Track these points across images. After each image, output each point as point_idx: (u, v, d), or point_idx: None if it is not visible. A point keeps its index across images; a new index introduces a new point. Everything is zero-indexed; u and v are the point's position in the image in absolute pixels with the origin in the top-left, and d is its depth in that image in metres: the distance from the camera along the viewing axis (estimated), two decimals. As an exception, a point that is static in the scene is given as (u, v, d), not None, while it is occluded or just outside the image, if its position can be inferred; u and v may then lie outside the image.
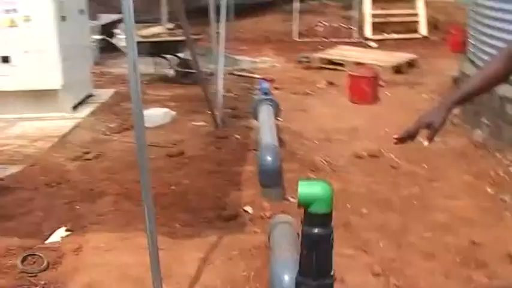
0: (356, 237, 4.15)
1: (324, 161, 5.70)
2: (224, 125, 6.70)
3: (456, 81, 8.67)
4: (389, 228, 4.37)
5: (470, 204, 4.78)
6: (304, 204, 2.16)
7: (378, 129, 6.81)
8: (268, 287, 2.98)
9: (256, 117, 5.92)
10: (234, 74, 9.69)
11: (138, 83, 2.78)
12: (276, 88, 8.56)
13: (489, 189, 5.08)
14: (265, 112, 5.63)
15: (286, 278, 2.86)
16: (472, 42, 7.52)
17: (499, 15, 6.48)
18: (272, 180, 4.65)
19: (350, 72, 8.11)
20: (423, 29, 12.58)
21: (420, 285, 3.50)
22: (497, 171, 5.42)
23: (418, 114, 7.55)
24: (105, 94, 8.31)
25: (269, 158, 4.61)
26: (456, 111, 7.26)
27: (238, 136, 6.34)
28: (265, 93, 6.00)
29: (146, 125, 6.53)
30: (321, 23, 13.32)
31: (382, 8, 13.26)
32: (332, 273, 2.29)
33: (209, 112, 6.63)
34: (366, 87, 7.86)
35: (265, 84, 6.10)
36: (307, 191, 2.14)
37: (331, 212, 2.24)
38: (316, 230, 2.20)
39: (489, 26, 6.80)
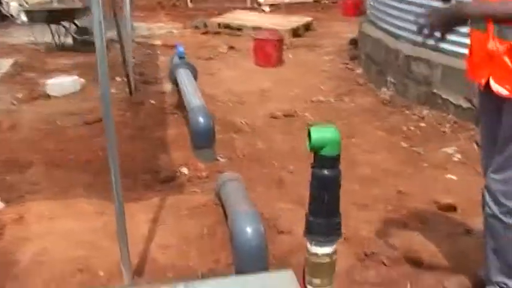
0: (292, 193, 4.31)
1: (243, 122, 5.83)
2: (136, 91, 6.66)
3: (353, 42, 9.04)
4: (319, 182, 4.57)
5: (389, 158, 5.08)
6: (316, 148, 2.30)
7: (286, 91, 7.01)
8: (231, 239, 3.08)
9: (173, 81, 5.93)
10: (133, 41, 9.55)
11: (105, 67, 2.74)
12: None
13: (403, 143, 5.41)
14: (185, 75, 5.66)
15: (249, 229, 2.99)
16: (372, 3, 7.82)
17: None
18: (206, 141, 4.73)
19: (255, 36, 8.22)
20: (314, -7, 12.89)
21: (362, 233, 3.72)
22: (408, 126, 5.77)
23: (322, 75, 7.84)
24: (3, 64, 7.99)
25: (202, 120, 4.68)
26: (360, 71, 7.62)
27: (153, 101, 6.32)
28: (181, 58, 6.00)
29: (56, 93, 6.49)
30: (214, -12, 13.34)
31: (274, -27, 13.45)
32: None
33: (122, 79, 6.56)
34: (271, 50, 8.01)
35: (181, 48, 6.10)
36: (318, 135, 2.29)
37: (339, 155, 2.39)
38: (327, 172, 2.36)
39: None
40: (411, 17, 6.30)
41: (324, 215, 2.35)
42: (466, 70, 2.92)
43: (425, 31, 2.62)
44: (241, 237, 2.97)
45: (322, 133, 2.27)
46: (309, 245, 2.44)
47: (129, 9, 6.83)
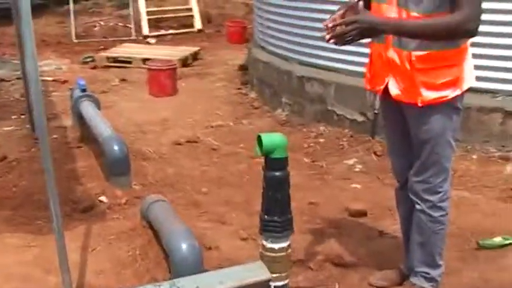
0: (210, 213, 4.45)
1: (150, 150, 5.89)
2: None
3: (242, 68, 9.31)
4: (234, 201, 4.74)
5: (295, 173, 5.14)
6: (267, 153, 2.52)
7: (185, 118, 7.13)
8: (168, 257, 3.17)
9: (77, 115, 5.90)
10: (20, 78, 9.35)
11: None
12: (71, 89, 8.47)
13: (306, 159, 5.67)
14: (90, 108, 5.66)
15: (185, 246, 3.09)
16: (260, 29, 8.11)
17: (285, 3, 7.12)
18: (122, 168, 4.76)
19: (149, 66, 8.29)
20: (198, 23, 13.09)
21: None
22: (308, 143, 6.04)
23: (217, 101, 8.05)
24: None
25: (117, 147, 4.72)
26: (254, 95, 7.86)
27: (56, 136, 6.25)
28: (83, 90, 5.99)
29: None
30: (98, 23, 13.25)
31: (157, 6, 13.57)
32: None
33: (19, 116, 6.44)
34: (165, 80, 8.11)
35: (82, 81, 6.08)
36: (269, 141, 2.53)
37: (287, 158, 2.63)
38: (277, 173, 2.60)
39: (275, 13, 7.44)
40: (301, 40, 6.67)
41: (278, 213, 2.58)
42: (365, 81, 3.18)
43: (340, 39, 2.73)
44: (177, 254, 3.07)
45: (271, 139, 2.48)
46: (265, 242, 2.67)
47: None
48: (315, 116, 6.55)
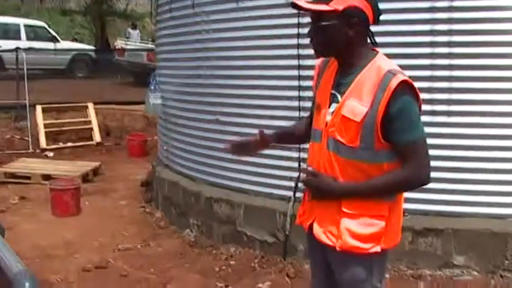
0: None
1: (58, 279, 5.70)
2: None
3: (145, 184, 9.29)
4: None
5: None
6: None
7: (91, 240, 6.97)
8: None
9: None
10: None
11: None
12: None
13: (219, 283, 5.64)
14: (-7, 237, 5.43)
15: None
16: (165, 148, 8.19)
17: (192, 123, 7.27)
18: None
19: (52, 186, 8.11)
20: (97, 136, 13.02)
21: None
22: (219, 266, 6.03)
23: (123, 221, 7.95)
24: None
25: (28, 285, 4.51)
26: (159, 214, 7.83)
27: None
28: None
29: None
30: (-7, 135, 12.94)
31: (55, 118, 13.44)
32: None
33: None
34: (69, 199, 7.95)
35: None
36: None
37: None
38: None
39: (180, 133, 7.57)
40: (208, 160, 6.78)
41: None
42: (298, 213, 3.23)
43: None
44: None
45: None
46: None
47: None
48: (224, 237, 6.58)
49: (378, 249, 2.82)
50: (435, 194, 5.42)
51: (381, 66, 2.76)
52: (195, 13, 6.88)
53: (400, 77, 2.68)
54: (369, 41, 2.91)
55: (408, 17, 5.45)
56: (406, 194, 2.99)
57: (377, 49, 2.92)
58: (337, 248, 2.85)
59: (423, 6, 5.38)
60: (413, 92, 2.73)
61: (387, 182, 2.77)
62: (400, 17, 5.40)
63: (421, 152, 2.74)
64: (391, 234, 2.88)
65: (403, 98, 2.68)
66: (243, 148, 3.46)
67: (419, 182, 2.80)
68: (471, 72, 5.39)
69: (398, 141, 2.72)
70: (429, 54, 5.41)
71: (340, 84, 2.88)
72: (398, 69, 2.77)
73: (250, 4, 6.23)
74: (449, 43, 5.35)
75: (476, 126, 5.42)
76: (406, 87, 2.69)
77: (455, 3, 5.30)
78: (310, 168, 3.06)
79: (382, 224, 2.81)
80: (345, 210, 2.83)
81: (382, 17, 2.89)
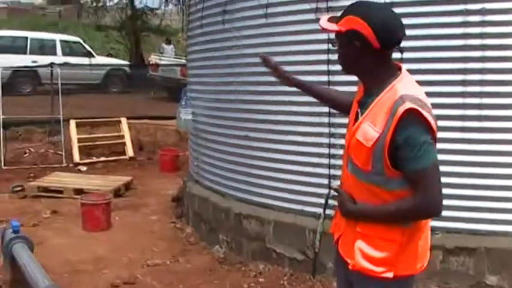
0: None
1: (86, 296, 5.71)
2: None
3: (176, 199, 9.28)
4: None
5: None
6: None
7: (120, 256, 6.97)
8: None
9: (8, 256, 5.68)
10: None
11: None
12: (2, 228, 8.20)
13: (247, 301, 5.60)
14: (23, 251, 5.46)
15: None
16: (195, 163, 8.18)
17: (222, 139, 7.25)
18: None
19: (82, 201, 8.15)
20: (130, 151, 13.10)
21: None
22: (248, 283, 5.98)
23: (153, 237, 7.98)
24: None
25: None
26: (189, 230, 7.79)
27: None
28: (16, 231, 5.80)
29: None
30: (29, 149, 13.08)
31: (88, 133, 13.55)
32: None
33: None
34: (99, 214, 7.98)
35: (16, 223, 5.89)
36: None
37: None
38: None
39: (211, 149, 7.55)
40: (237, 176, 6.77)
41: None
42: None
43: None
44: None
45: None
46: None
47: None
48: (253, 254, 6.52)
49: (390, 275, 2.73)
50: (467, 212, 5.27)
51: (397, 90, 2.66)
52: (225, 29, 6.88)
53: (408, 105, 2.56)
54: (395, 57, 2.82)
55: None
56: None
57: (402, 68, 2.81)
58: (349, 267, 2.84)
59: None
60: (422, 120, 2.58)
61: (399, 208, 2.70)
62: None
63: (431, 180, 2.62)
64: (406, 262, 2.78)
65: (409, 127, 2.57)
66: (271, 67, 3.54)
67: (430, 210, 2.68)
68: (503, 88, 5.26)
69: (407, 169, 2.62)
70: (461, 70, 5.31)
71: (364, 103, 2.81)
72: (413, 93, 2.64)
73: (279, 20, 6.20)
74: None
75: (510, 143, 5.28)
76: (412, 115, 2.57)
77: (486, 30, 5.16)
78: (335, 185, 3.03)
79: (394, 248, 2.73)
80: (359, 230, 2.81)
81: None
